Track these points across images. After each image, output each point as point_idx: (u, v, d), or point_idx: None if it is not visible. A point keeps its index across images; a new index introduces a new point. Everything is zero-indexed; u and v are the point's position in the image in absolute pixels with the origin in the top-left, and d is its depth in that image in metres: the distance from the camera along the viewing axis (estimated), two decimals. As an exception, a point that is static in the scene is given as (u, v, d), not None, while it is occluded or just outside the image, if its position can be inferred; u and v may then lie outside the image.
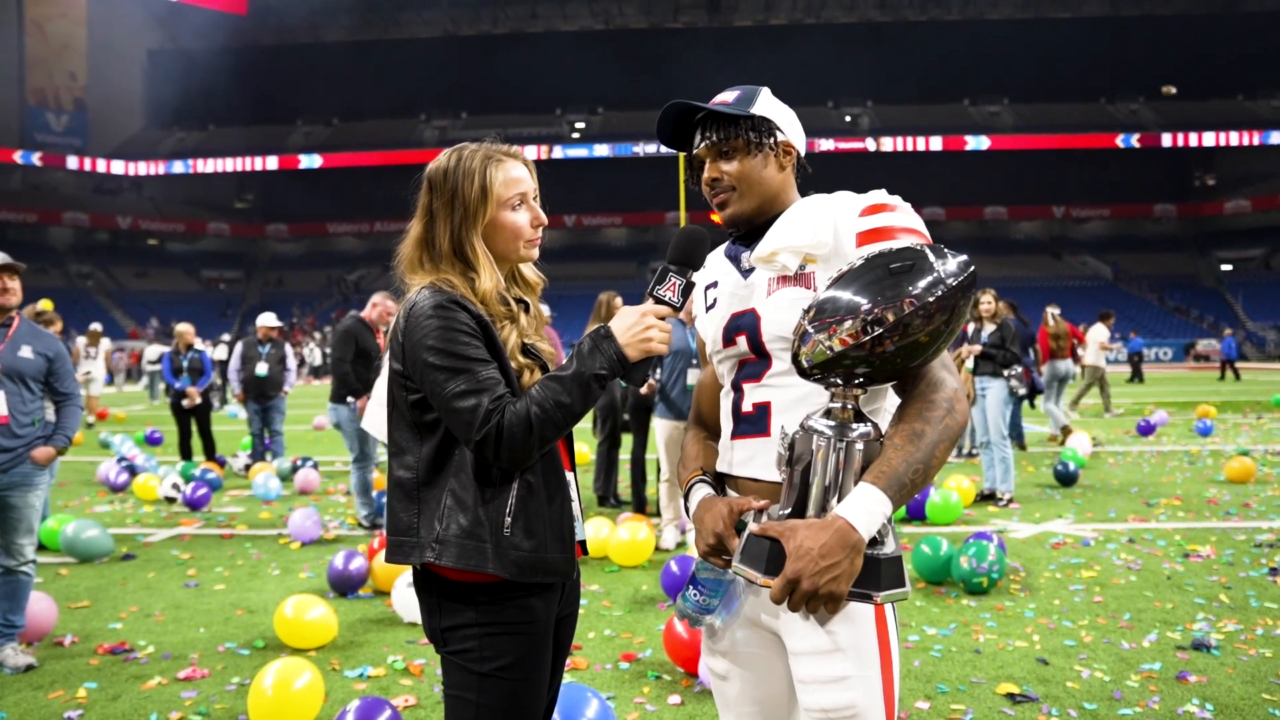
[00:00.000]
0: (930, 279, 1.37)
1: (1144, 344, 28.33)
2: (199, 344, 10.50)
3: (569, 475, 1.85)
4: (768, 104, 1.71)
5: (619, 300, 7.05)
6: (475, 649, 1.69)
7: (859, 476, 1.44)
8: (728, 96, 1.71)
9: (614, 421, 7.75)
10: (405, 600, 4.62)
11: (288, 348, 9.98)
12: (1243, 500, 7.59)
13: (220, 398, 19.04)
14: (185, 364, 10.08)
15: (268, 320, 9.91)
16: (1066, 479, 8.40)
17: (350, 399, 6.93)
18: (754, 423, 1.67)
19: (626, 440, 8.22)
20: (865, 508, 1.39)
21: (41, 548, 6.38)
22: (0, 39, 50.93)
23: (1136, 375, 25.81)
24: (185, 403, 10.00)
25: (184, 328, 10.39)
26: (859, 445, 1.45)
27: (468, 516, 1.68)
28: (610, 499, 7.80)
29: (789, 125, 1.73)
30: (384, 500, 7.14)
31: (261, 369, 9.58)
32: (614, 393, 7.64)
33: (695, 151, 1.74)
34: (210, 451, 10.31)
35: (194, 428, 10.26)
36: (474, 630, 1.70)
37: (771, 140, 1.69)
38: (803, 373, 1.47)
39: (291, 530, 6.64)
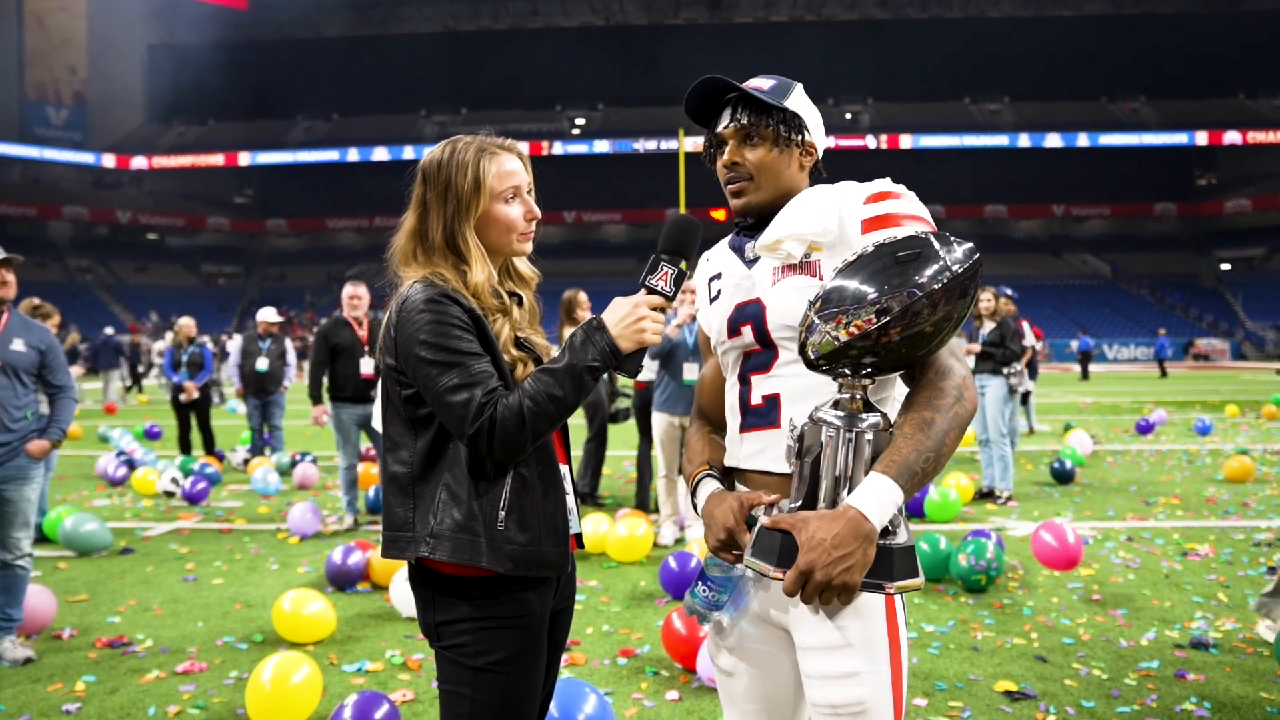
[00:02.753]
0: (936, 267, 1.36)
1: (1092, 343, 29.37)
2: (208, 339, 10.50)
3: (563, 468, 1.85)
4: (800, 101, 1.70)
5: (582, 296, 7.02)
6: (469, 644, 1.69)
7: (869, 466, 1.43)
8: (763, 83, 1.69)
9: (600, 419, 7.64)
10: (403, 595, 4.62)
11: (288, 342, 9.93)
12: (1241, 499, 7.60)
13: (219, 394, 19.11)
14: (185, 358, 10.02)
15: (268, 315, 9.87)
16: (1064, 477, 8.41)
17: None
18: (763, 415, 1.65)
19: (617, 439, 8.11)
20: (877, 497, 1.38)
21: (45, 540, 6.39)
22: (0, 32, 50.86)
23: (1084, 374, 27.08)
24: (183, 397, 9.96)
25: (185, 322, 10.38)
26: (869, 435, 1.44)
27: (461, 510, 1.67)
28: (590, 498, 7.69)
29: (815, 126, 1.73)
30: (356, 500, 7.08)
31: (262, 364, 9.55)
32: (599, 390, 7.55)
33: (720, 130, 1.72)
34: (209, 446, 10.27)
35: (194, 422, 10.21)
36: (468, 625, 1.69)
37: (799, 137, 1.69)
38: (810, 364, 1.46)
39: (291, 525, 6.64)
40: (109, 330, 21.83)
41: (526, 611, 1.73)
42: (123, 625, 4.64)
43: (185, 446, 10.22)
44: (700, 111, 1.75)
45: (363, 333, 6.89)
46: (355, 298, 7.00)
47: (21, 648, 4.12)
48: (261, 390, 9.66)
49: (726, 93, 1.71)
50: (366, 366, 6.79)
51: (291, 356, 9.91)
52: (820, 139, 1.74)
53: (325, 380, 6.90)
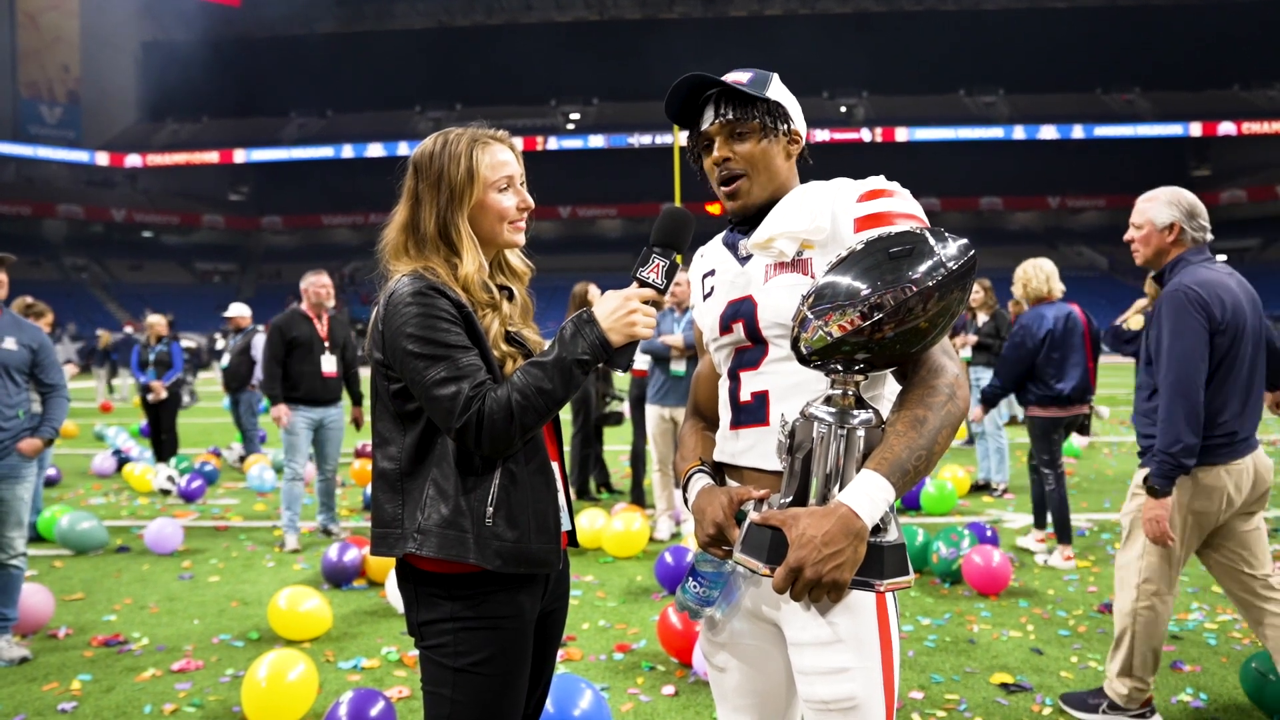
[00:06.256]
0: (930, 263, 1.35)
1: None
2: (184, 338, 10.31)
3: (554, 465, 1.83)
4: (779, 90, 1.68)
5: (594, 289, 6.67)
6: (450, 644, 1.67)
7: (861, 464, 1.42)
8: (741, 77, 1.67)
9: (586, 414, 7.56)
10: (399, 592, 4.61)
11: (257, 337, 9.29)
12: (1237, 490, 7.59)
13: (189, 393, 18.64)
14: (153, 357, 9.37)
15: (235, 311, 9.65)
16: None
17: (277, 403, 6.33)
18: (753, 412, 1.65)
19: (613, 434, 8.03)
20: (868, 495, 1.37)
21: (41, 539, 6.37)
22: (-8, 31, 50.79)
23: None
24: (150, 398, 9.34)
25: (154, 319, 9.80)
26: (860, 432, 1.43)
27: (449, 506, 1.65)
28: (580, 493, 7.64)
29: (797, 114, 1.71)
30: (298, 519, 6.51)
31: (224, 361, 9.40)
32: (586, 386, 7.43)
33: (705, 128, 1.70)
34: (167, 453, 9.42)
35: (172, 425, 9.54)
36: (450, 625, 1.67)
37: (784, 127, 1.67)
38: (802, 359, 1.45)
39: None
40: (128, 329, 21.69)
41: (511, 612, 1.71)
42: (118, 624, 4.63)
43: (157, 451, 9.51)
44: (681, 113, 1.73)
45: (322, 328, 6.31)
46: (324, 287, 6.33)
47: (17, 647, 4.11)
48: (230, 388, 9.52)
49: (705, 90, 1.68)
50: (328, 364, 6.24)
51: (258, 352, 8.95)
52: (802, 127, 1.72)
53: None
